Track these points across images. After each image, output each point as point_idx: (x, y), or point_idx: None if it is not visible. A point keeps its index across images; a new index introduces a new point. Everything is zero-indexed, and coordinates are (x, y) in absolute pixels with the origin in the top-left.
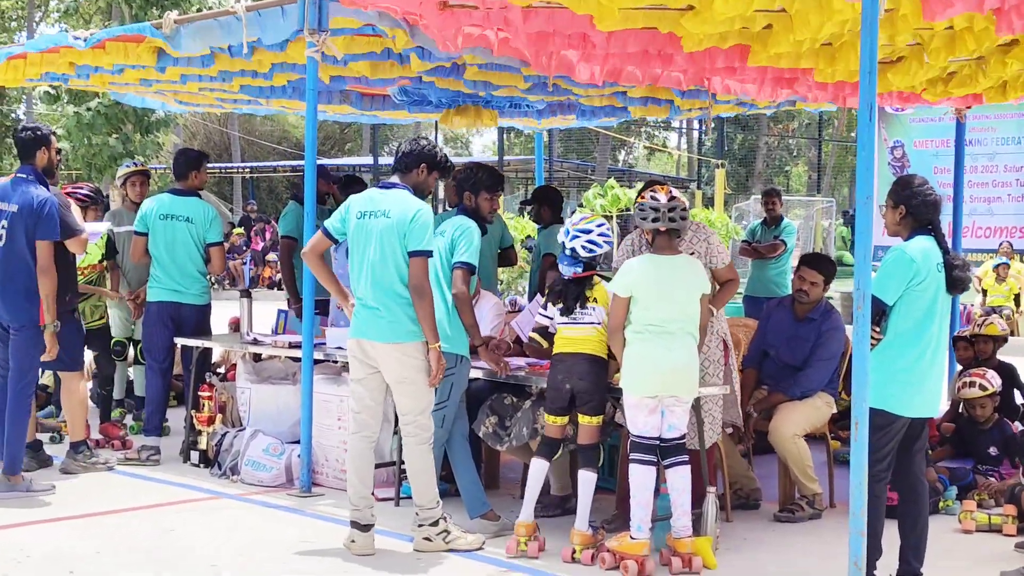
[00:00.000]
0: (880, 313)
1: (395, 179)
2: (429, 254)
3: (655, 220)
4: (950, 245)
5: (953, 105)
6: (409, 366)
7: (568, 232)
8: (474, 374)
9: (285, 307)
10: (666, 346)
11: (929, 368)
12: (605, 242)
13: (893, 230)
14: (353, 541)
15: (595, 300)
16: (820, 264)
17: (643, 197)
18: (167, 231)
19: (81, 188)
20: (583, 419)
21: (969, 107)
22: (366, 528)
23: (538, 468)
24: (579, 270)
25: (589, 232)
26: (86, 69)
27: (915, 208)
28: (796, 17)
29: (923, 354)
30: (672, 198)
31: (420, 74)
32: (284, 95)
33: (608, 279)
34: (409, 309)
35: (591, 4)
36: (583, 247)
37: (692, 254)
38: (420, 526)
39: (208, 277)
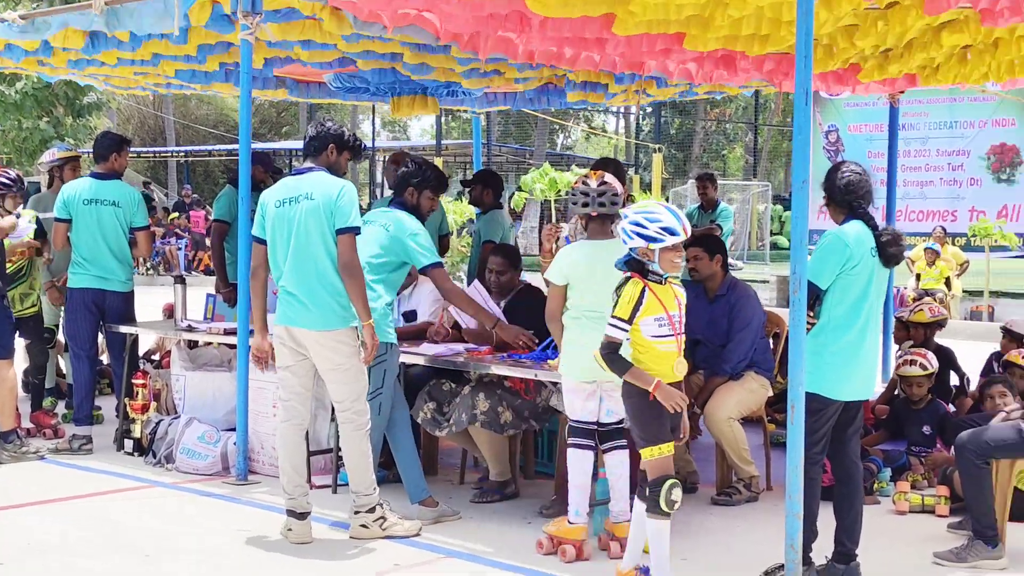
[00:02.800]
0: (814, 297)
1: (308, 164)
2: (357, 231)
3: (585, 205)
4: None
5: (886, 90)
6: (341, 353)
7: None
8: (413, 360)
9: (214, 292)
10: (602, 331)
11: (863, 352)
12: (635, 232)
13: (833, 219)
14: (290, 530)
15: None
16: (697, 239)
17: (576, 183)
18: (93, 216)
19: (4, 173)
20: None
21: (902, 92)
22: (302, 516)
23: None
24: (623, 268)
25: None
26: (17, 51)
27: (836, 193)
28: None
29: (857, 338)
30: (603, 183)
31: (352, 57)
32: (217, 79)
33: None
34: (336, 294)
35: None
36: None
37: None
38: (357, 512)
39: (136, 262)
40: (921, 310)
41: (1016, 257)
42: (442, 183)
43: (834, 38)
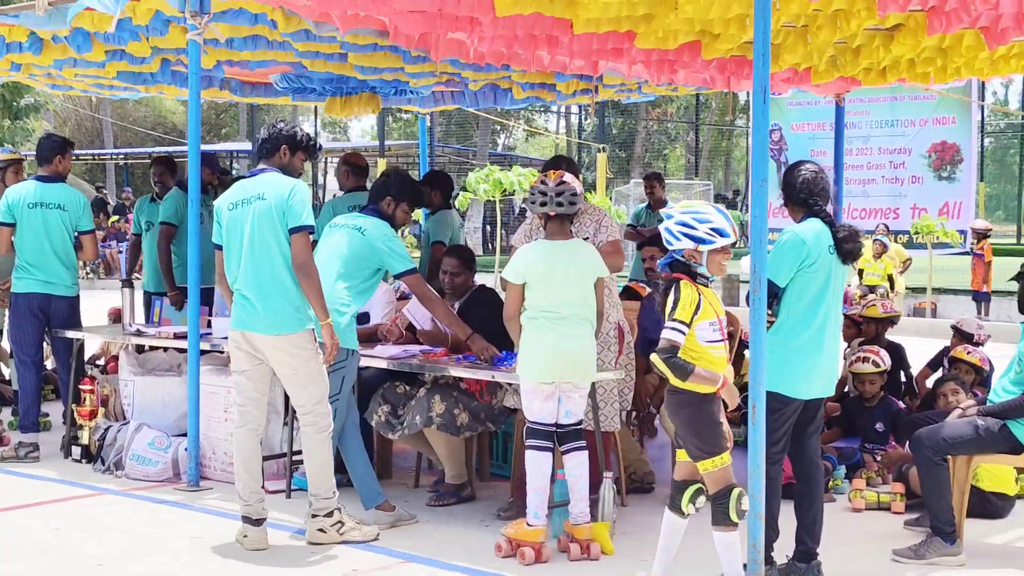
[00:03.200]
0: (772, 296)
1: (261, 166)
2: (311, 229)
3: (543, 204)
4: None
5: (833, 91)
6: (299, 357)
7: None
8: (368, 363)
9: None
10: (560, 331)
11: (823, 350)
12: (683, 233)
13: (792, 218)
14: (245, 536)
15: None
16: (654, 239)
17: (535, 182)
18: (38, 220)
19: None
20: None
21: (848, 91)
22: (258, 522)
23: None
24: (666, 268)
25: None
26: None
27: (794, 192)
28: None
29: (816, 336)
30: (561, 183)
31: (301, 59)
32: (162, 80)
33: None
34: (291, 295)
35: None
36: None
37: (585, 238)
38: (314, 516)
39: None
40: (874, 305)
41: (958, 254)
42: (419, 199)
43: (785, 39)
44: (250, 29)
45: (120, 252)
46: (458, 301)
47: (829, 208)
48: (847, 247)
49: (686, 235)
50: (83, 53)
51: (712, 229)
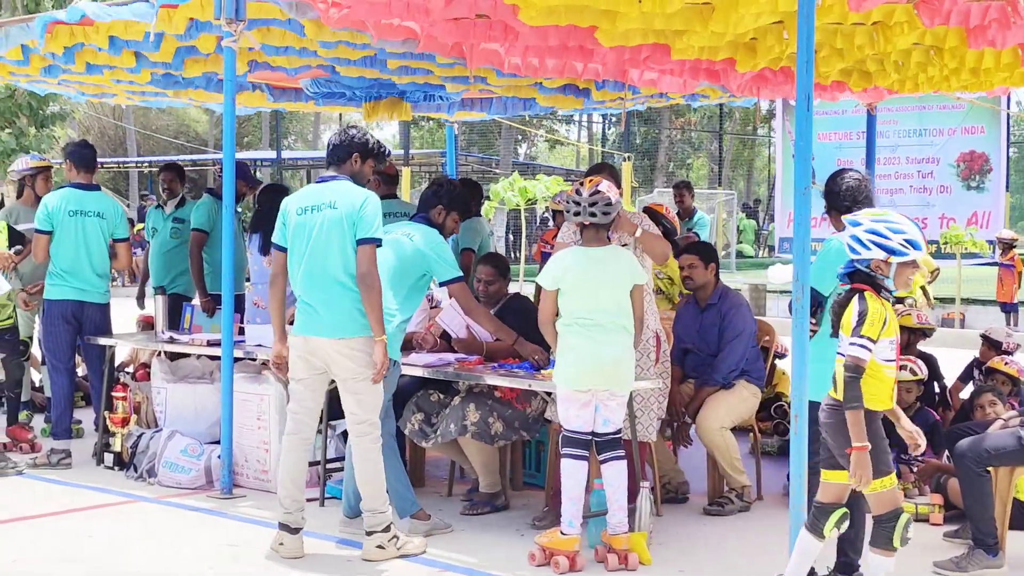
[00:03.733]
0: (817, 304)
1: (331, 172)
2: (378, 242)
3: (576, 214)
4: None
5: (867, 99)
6: (360, 362)
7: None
8: (404, 371)
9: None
10: (595, 339)
11: None
12: (874, 242)
13: (835, 227)
14: (282, 544)
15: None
16: (691, 247)
17: (570, 191)
18: (78, 228)
19: None
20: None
21: (881, 99)
22: (295, 531)
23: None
24: (845, 279)
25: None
26: None
27: (837, 200)
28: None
29: None
30: (595, 192)
31: (334, 64)
32: (195, 86)
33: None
34: (356, 301)
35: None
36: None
37: (624, 244)
38: (371, 533)
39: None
40: (908, 314)
41: (986, 264)
42: (469, 207)
43: (819, 50)
44: (282, 37)
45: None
46: (492, 309)
47: None
48: None
49: (877, 244)
50: (115, 57)
51: (906, 240)
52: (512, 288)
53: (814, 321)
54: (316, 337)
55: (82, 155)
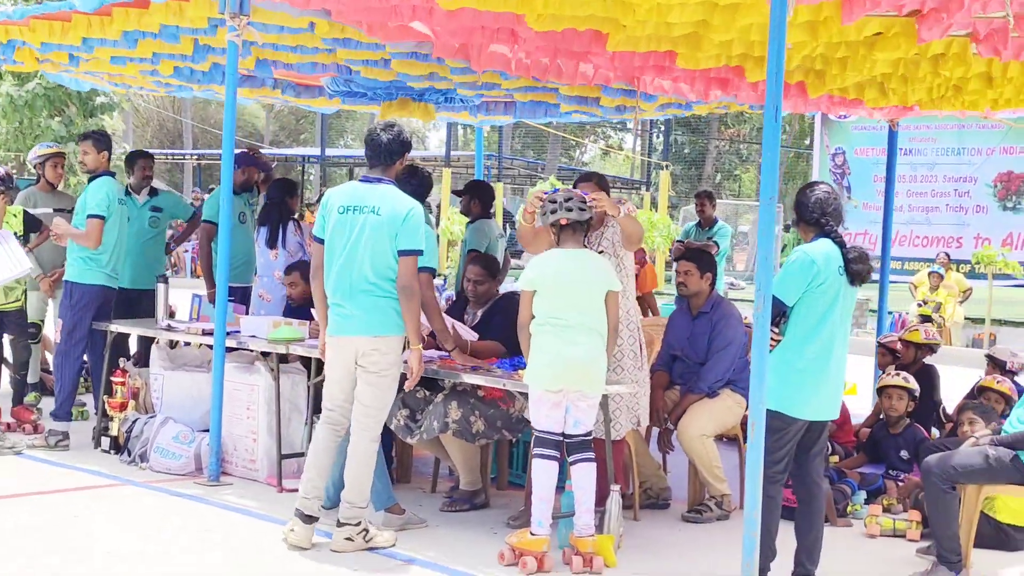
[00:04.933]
0: (780, 314)
1: (377, 173)
2: (420, 253)
3: (554, 212)
4: (880, 250)
5: (888, 116)
6: (389, 360)
7: None
8: None
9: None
10: (566, 339)
11: (828, 371)
12: None
13: (803, 238)
14: (292, 530)
15: None
16: (690, 255)
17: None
18: (122, 217)
19: None
20: None
21: (903, 116)
22: (308, 519)
23: None
24: None
25: None
26: (12, 44)
27: (805, 212)
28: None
29: (821, 356)
30: (569, 191)
31: (349, 64)
32: (215, 79)
33: None
34: (388, 300)
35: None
36: None
37: (601, 251)
38: (342, 525)
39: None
40: (916, 330)
41: (1019, 286)
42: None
43: (827, 64)
44: (292, 37)
45: (187, 251)
46: (482, 308)
47: (842, 230)
48: (855, 268)
49: None
50: (132, 50)
51: None
52: None
53: (776, 331)
54: (351, 336)
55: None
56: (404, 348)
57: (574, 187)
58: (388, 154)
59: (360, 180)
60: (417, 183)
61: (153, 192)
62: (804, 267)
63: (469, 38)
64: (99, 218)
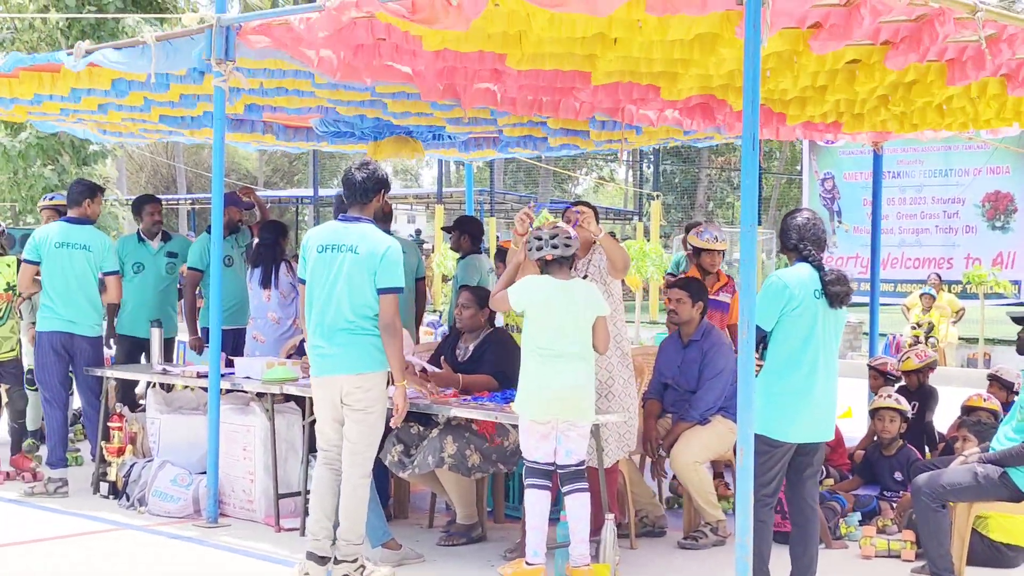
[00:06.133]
0: (760, 340)
1: (355, 212)
2: (400, 290)
3: (539, 249)
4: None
5: (869, 139)
6: (374, 397)
7: None
8: None
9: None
10: (553, 369)
11: (812, 393)
12: None
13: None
14: (307, 573)
15: None
16: (682, 283)
17: (532, 232)
18: (63, 260)
19: None
20: None
21: (885, 140)
22: (322, 560)
23: None
24: None
25: None
26: (5, 100)
27: (787, 238)
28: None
29: (805, 379)
30: (555, 227)
31: (335, 105)
32: (206, 125)
33: None
34: (373, 339)
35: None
36: None
37: (585, 277)
38: (339, 562)
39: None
40: (908, 358)
41: (1011, 304)
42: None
43: (806, 91)
44: (279, 81)
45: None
46: (474, 342)
47: (825, 256)
48: (833, 290)
49: None
50: (122, 99)
51: None
52: None
53: (757, 356)
54: (333, 376)
55: (71, 191)
56: (388, 383)
57: (564, 213)
58: (363, 192)
59: (338, 219)
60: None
61: (166, 237)
62: (776, 292)
63: (452, 78)
64: (27, 263)
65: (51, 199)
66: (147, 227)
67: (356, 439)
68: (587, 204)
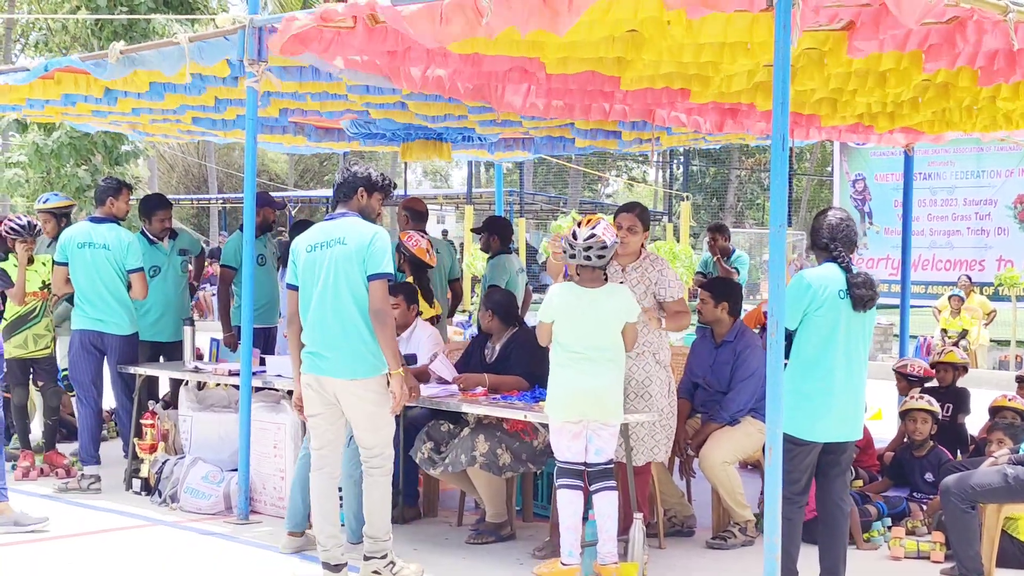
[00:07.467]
0: (786, 339)
1: (340, 209)
2: (391, 276)
3: (572, 256)
4: (900, 274)
5: (900, 142)
6: (374, 402)
7: None
8: (410, 402)
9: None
10: (581, 370)
11: (836, 392)
12: None
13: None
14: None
15: None
16: (708, 284)
17: (568, 230)
18: (87, 260)
19: (15, 219)
20: None
21: (915, 142)
22: (337, 568)
23: None
24: None
25: None
26: (39, 102)
27: (818, 238)
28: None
29: (828, 378)
30: (590, 236)
31: (367, 108)
32: (238, 126)
33: None
34: (366, 341)
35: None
36: None
37: (637, 285)
38: (369, 559)
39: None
40: (952, 351)
41: None
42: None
43: (837, 94)
44: (312, 84)
45: (213, 295)
46: (500, 342)
47: (855, 256)
48: (858, 292)
49: None
50: (158, 102)
51: None
52: None
53: None
54: (327, 377)
55: (96, 191)
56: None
57: (615, 216)
58: (346, 189)
59: (325, 219)
60: None
61: (173, 234)
62: (800, 291)
63: (483, 81)
64: (57, 264)
65: (44, 202)
66: (156, 230)
67: (370, 444)
68: (640, 206)
